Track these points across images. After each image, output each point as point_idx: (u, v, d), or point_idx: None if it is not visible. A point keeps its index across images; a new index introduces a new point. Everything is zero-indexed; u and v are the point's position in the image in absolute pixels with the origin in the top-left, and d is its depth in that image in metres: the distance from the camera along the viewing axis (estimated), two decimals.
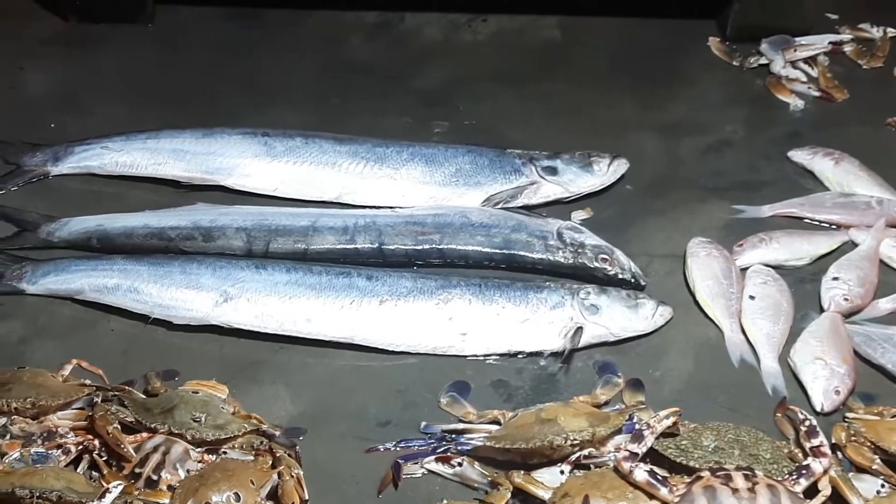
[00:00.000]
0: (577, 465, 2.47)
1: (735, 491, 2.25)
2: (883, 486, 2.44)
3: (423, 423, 2.58)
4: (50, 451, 2.34)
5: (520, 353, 2.78)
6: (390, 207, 3.13)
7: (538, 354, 2.78)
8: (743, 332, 2.87)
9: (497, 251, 2.99)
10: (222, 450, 2.43)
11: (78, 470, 2.36)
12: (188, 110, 3.56)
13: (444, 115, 3.63)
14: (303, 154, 3.20)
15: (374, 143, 3.23)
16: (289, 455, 2.43)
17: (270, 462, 2.41)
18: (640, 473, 2.32)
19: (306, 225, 3.00)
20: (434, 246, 2.98)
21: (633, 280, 2.95)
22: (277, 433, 2.48)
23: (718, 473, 2.31)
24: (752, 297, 2.90)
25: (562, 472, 2.46)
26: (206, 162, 3.20)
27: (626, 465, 2.33)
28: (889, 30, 4.03)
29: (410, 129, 3.54)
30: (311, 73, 3.82)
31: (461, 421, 2.60)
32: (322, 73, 3.83)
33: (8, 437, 2.37)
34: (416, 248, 2.98)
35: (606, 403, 2.66)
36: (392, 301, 2.77)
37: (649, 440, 2.41)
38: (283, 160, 3.19)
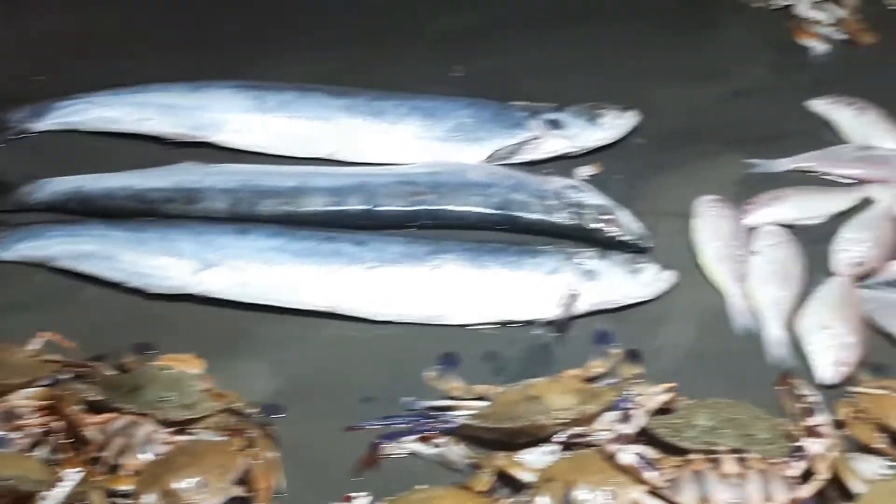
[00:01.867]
0: (565, 446, 2.36)
1: (725, 476, 2.15)
2: (888, 466, 2.31)
3: (407, 399, 2.47)
4: (9, 435, 2.25)
5: (513, 322, 2.67)
6: (385, 165, 2.98)
7: (532, 323, 2.66)
8: (749, 297, 2.71)
9: (495, 212, 2.88)
10: (193, 431, 2.33)
11: (38, 454, 2.27)
12: (182, 62, 3.42)
13: (458, 60, 3.47)
14: (296, 109, 3.09)
15: (371, 95, 3.11)
16: (264, 436, 2.33)
17: (243, 444, 2.30)
18: (627, 456, 2.23)
19: (294, 185, 2.89)
20: (428, 207, 2.86)
21: (635, 242, 2.82)
22: (252, 412, 2.38)
23: (709, 457, 2.20)
24: (757, 253, 2.77)
25: (549, 453, 2.35)
26: (195, 117, 3.10)
27: (612, 448, 2.24)
28: None
29: (423, 76, 3.41)
30: (321, 17, 3.66)
31: (448, 396, 2.49)
32: (332, 18, 3.67)
33: None
34: (410, 209, 2.88)
35: (602, 376, 2.53)
36: (380, 267, 2.67)
37: (640, 420, 2.31)
38: (274, 115, 3.08)
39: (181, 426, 2.36)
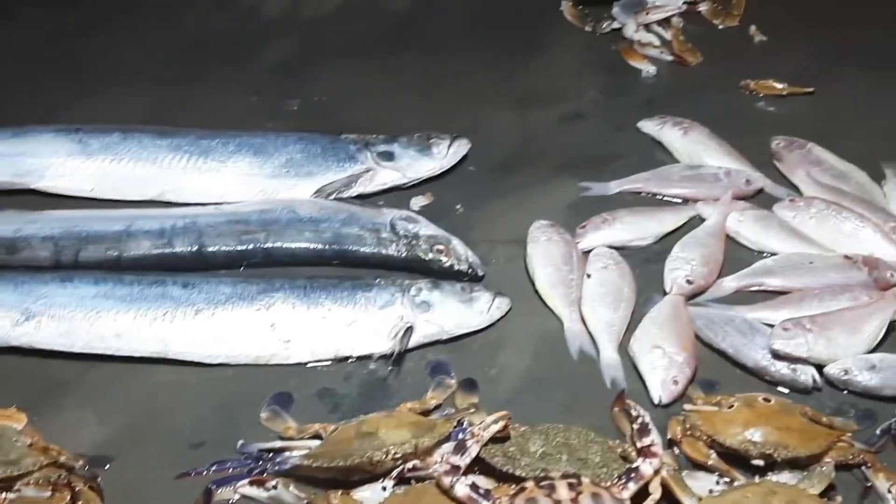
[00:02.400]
0: (400, 480, 2.33)
1: (558, 502, 2.13)
2: (718, 482, 2.33)
3: (240, 442, 2.42)
4: None
5: (348, 357, 2.64)
6: (215, 204, 2.93)
7: (367, 358, 2.64)
8: (583, 321, 2.72)
9: (327, 247, 2.86)
10: (16, 487, 2.25)
11: None
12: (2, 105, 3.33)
13: (293, 93, 3.45)
14: (120, 150, 3.03)
15: (198, 134, 3.06)
16: (90, 488, 2.27)
17: (68, 498, 2.24)
18: (461, 488, 2.20)
19: (120, 230, 2.83)
20: (259, 245, 2.82)
21: (470, 271, 2.83)
22: (78, 464, 2.31)
23: (542, 483, 2.20)
24: (589, 276, 2.76)
25: (384, 489, 2.33)
26: (17, 164, 3.02)
27: (446, 480, 2.22)
28: None
29: (257, 110, 3.40)
30: (147, 55, 3.64)
31: (281, 437, 2.45)
32: (159, 55, 3.63)
33: None
34: (240, 248, 2.84)
35: (438, 408, 2.52)
36: (209, 310, 2.62)
37: (473, 450, 2.29)
38: (99, 158, 3.02)
39: (4, 483, 2.28)
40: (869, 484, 2.39)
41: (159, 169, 3.02)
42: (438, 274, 2.81)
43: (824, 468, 2.35)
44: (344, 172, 3.04)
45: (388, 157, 3.06)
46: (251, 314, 2.65)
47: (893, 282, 2.82)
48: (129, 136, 3.06)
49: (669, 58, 3.65)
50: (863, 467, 2.41)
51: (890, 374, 2.59)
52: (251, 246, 2.84)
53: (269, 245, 2.85)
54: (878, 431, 2.49)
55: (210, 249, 2.83)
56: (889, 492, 2.35)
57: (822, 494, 2.32)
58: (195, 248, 2.83)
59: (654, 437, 2.32)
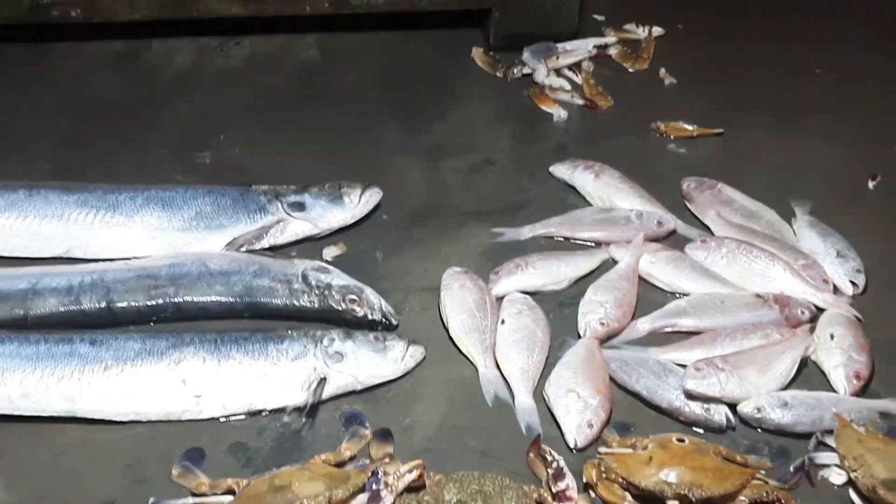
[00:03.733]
0: None
1: None
2: None
3: (152, 500, 2.39)
4: None
5: (261, 411, 2.61)
6: (123, 259, 2.89)
7: (281, 411, 2.61)
8: (498, 367, 2.71)
9: (238, 300, 2.82)
10: None
11: None
12: None
13: (203, 146, 3.42)
14: (26, 207, 2.98)
15: (105, 189, 3.02)
16: None
17: None
18: None
19: (25, 287, 2.78)
20: (169, 300, 2.79)
21: (383, 320, 2.81)
22: None
23: None
24: (503, 322, 2.76)
25: None
26: None
27: None
28: (654, 29, 3.95)
29: (167, 164, 3.37)
30: (52, 112, 3.58)
31: (193, 494, 2.42)
32: (65, 112, 3.59)
33: None
34: (150, 303, 2.80)
35: (352, 458, 2.50)
36: (118, 366, 2.59)
37: (388, 500, 2.29)
38: (4, 216, 2.97)
39: None
40: None
41: (66, 225, 2.98)
42: (352, 324, 2.79)
43: None
44: (255, 224, 3.02)
45: (300, 207, 3.05)
46: (161, 370, 2.62)
47: (804, 319, 2.85)
48: (34, 193, 3.01)
49: (581, 102, 3.67)
50: None
51: (802, 411, 2.61)
52: (161, 301, 2.80)
53: (179, 299, 2.81)
54: (791, 468, 2.51)
55: (119, 305, 2.79)
56: None
57: None
58: (103, 305, 2.79)
59: (569, 481, 2.32)
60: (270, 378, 2.63)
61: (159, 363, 2.63)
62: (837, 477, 2.49)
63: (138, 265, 2.90)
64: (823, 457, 2.52)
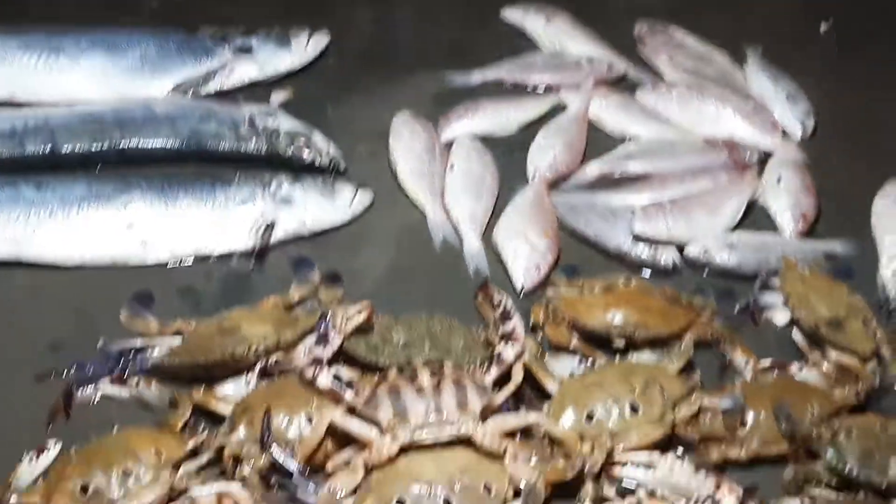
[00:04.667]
0: (263, 375, 2.32)
1: (420, 390, 2.14)
2: (580, 364, 2.37)
3: (101, 342, 2.38)
4: None
5: (209, 255, 2.60)
6: (67, 103, 2.85)
7: (229, 256, 2.61)
8: (447, 211, 2.71)
9: (185, 145, 2.80)
10: None
11: None
12: None
13: None
14: None
15: (47, 31, 2.95)
16: None
17: None
18: (324, 380, 2.20)
19: None
20: (115, 144, 2.76)
21: (331, 165, 2.79)
22: None
23: (405, 372, 2.20)
24: (452, 167, 2.75)
25: (247, 384, 2.32)
26: None
27: (309, 372, 2.21)
28: None
29: (111, 5, 3.28)
30: None
31: (142, 336, 2.41)
32: None
33: None
34: (95, 148, 2.76)
35: (301, 302, 2.50)
36: (63, 211, 2.57)
37: (336, 342, 2.29)
38: None
39: None
40: (727, 360, 2.42)
41: (8, 69, 2.92)
42: (299, 169, 2.77)
43: (683, 346, 2.39)
44: (201, 68, 2.96)
45: (247, 51, 3.00)
46: (107, 214, 2.61)
47: (752, 162, 2.85)
48: None
49: None
50: (721, 345, 2.44)
51: (748, 253, 2.64)
52: (106, 145, 2.78)
53: (124, 144, 2.79)
54: (736, 310, 2.53)
55: (64, 149, 2.76)
56: (746, 366, 2.38)
57: (681, 372, 2.35)
58: (48, 149, 2.75)
59: (516, 323, 2.33)
60: (218, 223, 2.63)
61: (105, 208, 2.61)
62: (781, 317, 2.52)
63: (83, 109, 2.85)
64: (768, 298, 2.55)
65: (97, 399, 2.35)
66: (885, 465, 2.16)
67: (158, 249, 2.60)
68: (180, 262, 2.62)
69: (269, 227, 2.62)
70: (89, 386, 2.34)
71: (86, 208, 2.60)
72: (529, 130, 2.98)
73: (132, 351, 2.39)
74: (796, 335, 2.50)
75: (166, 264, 2.63)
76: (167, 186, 2.64)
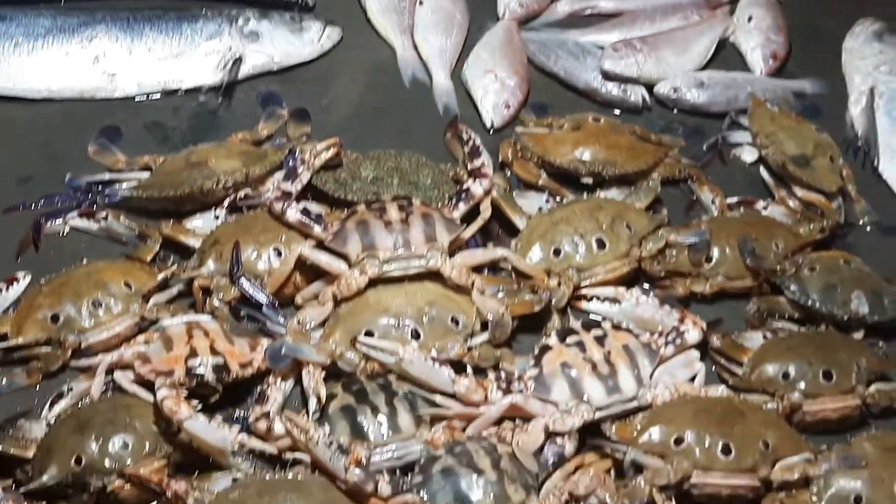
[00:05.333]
0: (232, 209, 2.33)
1: (388, 224, 2.14)
2: (548, 200, 2.36)
3: (69, 176, 2.38)
4: None
5: (176, 90, 2.59)
6: None
7: (196, 90, 2.59)
8: (416, 48, 2.69)
9: None
10: None
11: None
12: None
13: None
14: None
15: None
16: None
17: None
18: (293, 214, 2.21)
19: None
20: None
21: (300, 0, 2.73)
22: None
23: (373, 206, 2.20)
24: (421, 3, 2.73)
25: (216, 218, 2.32)
26: None
27: (277, 206, 2.21)
28: None
29: None
30: None
31: (110, 170, 2.41)
32: None
33: None
34: None
35: (269, 138, 2.50)
36: (28, 43, 2.54)
37: (304, 177, 2.29)
38: None
39: None
40: (694, 197, 2.43)
41: None
42: (267, 4, 2.74)
43: (651, 183, 2.40)
44: None
45: None
46: (73, 47, 2.58)
47: (723, 1, 2.83)
48: None
49: None
50: (688, 182, 2.45)
51: (717, 91, 2.64)
52: None
53: None
54: (704, 147, 2.55)
55: None
56: (713, 203, 2.40)
57: (648, 208, 2.37)
58: None
59: (484, 159, 2.33)
60: (185, 57, 2.61)
61: (71, 40, 2.59)
62: (749, 155, 2.53)
63: None
64: (736, 136, 2.56)
65: (66, 232, 2.35)
66: (846, 299, 2.18)
67: (125, 83, 2.59)
68: (147, 95, 2.58)
69: (237, 62, 2.60)
70: (58, 219, 2.33)
71: (51, 41, 2.58)
72: None
73: (100, 185, 2.38)
74: (764, 172, 2.52)
75: (133, 98, 2.60)
76: (133, 20, 2.61)
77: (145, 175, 2.40)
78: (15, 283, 2.24)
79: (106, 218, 2.33)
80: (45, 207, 2.36)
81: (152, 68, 2.59)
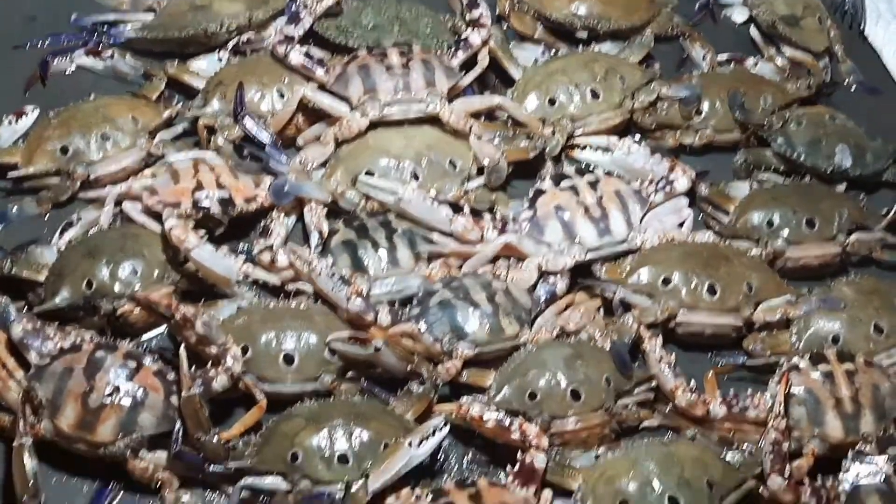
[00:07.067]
0: (235, 52, 2.37)
1: (389, 68, 2.20)
2: (543, 52, 2.41)
3: (74, 16, 2.41)
4: None
5: None
6: None
7: None
8: None
9: None
10: None
11: None
12: None
13: None
14: None
15: None
16: None
17: None
18: (296, 56, 2.26)
19: None
20: None
21: None
22: None
23: (374, 52, 2.25)
24: None
25: (219, 60, 2.37)
26: None
27: (280, 49, 2.26)
28: None
29: None
30: None
31: (115, 10, 2.45)
32: None
33: None
34: None
35: None
36: None
37: (307, 21, 2.34)
38: None
39: None
40: (685, 55, 2.49)
41: None
42: None
43: (644, 39, 2.45)
44: None
45: None
46: None
47: None
48: None
49: None
50: (681, 38, 2.50)
51: None
52: None
53: None
54: (696, 6, 2.59)
55: None
56: (704, 59, 2.46)
57: (641, 62, 2.43)
58: None
59: (483, 10, 2.38)
60: None
61: None
62: (739, 15, 2.59)
63: None
64: None
65: (73, 69, 2.38)
66: (830, 153, 2.26)
67: None
68: None
69: None
70: (64, 57, 2.36)
71: None
72: None
73: (105, 24, 2.41)
74: (753, 31, 2.57)
75: None
76: None
77: (150, 17, 2.42)
78: (24, 115, 2.28)
79: (112, 57, 2.36)
80: (51, 46, 2.39)
81: None
